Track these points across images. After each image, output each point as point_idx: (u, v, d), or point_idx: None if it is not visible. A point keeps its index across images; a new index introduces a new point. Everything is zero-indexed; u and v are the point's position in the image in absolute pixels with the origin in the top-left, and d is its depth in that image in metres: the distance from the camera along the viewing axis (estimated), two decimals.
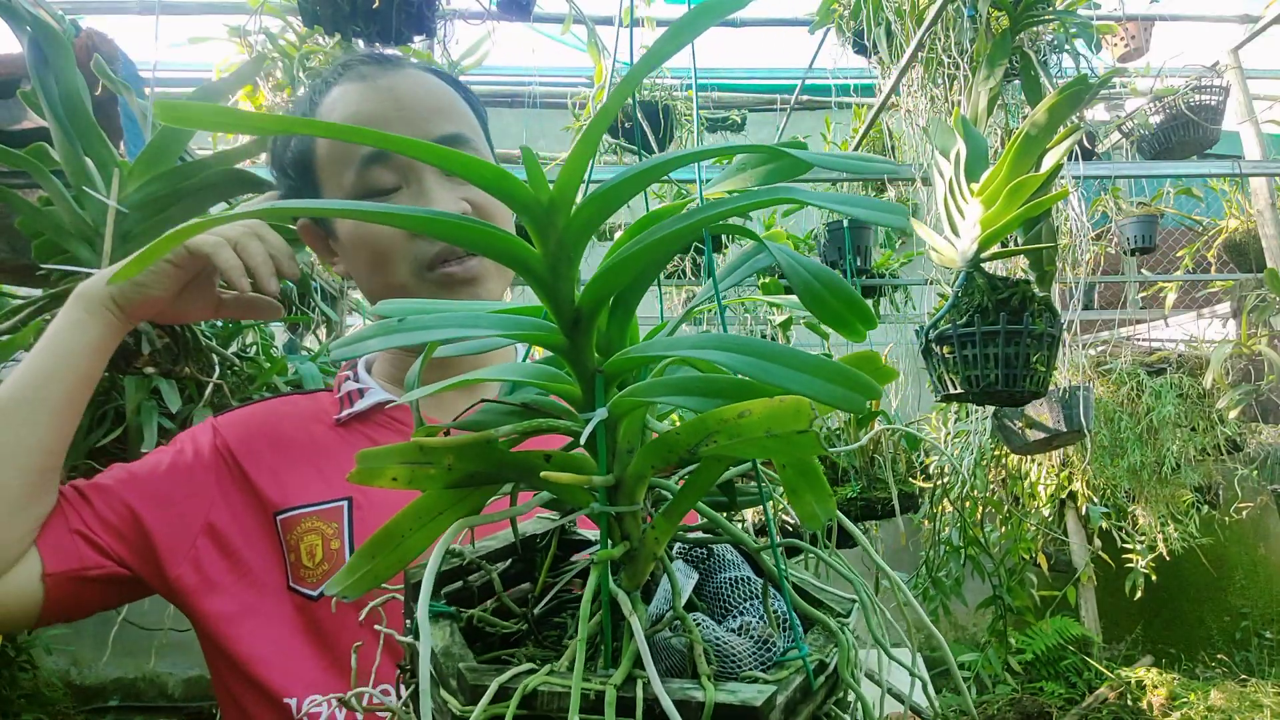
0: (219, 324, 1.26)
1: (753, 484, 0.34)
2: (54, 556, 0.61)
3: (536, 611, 0.35)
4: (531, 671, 0.26)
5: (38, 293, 0.93)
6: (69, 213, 0.86)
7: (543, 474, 0.29)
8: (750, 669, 0.28)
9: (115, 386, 1.01)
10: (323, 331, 2.52)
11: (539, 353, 0.34)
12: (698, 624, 0.29)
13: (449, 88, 0.74)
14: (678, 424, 0.27)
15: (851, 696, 0.30)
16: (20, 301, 0.93)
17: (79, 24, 1.21)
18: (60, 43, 0.85)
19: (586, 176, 0.28)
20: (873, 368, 0.31)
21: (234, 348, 1.28)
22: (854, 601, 0.32)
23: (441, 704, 0.27)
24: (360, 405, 0.72)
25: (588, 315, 0.29)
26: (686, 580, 0.33)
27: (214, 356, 0.97)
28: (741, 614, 0.32)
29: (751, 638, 0.30)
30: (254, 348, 1.36)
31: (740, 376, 0.25)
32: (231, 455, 0.69)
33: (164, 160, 0.88)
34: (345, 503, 0.66)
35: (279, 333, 2.19)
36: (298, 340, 2.46)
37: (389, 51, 0.80)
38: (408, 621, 0.33)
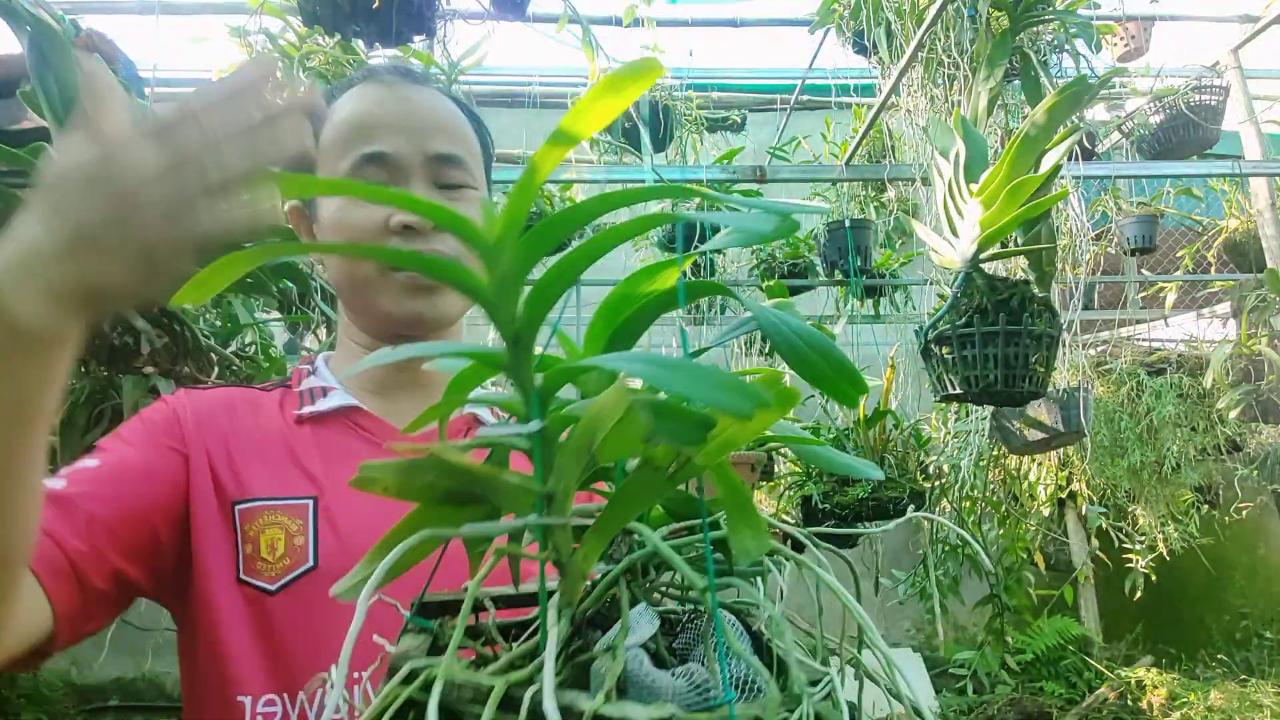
0: (218, 324, 1.26)
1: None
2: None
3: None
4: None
5: None
6: None
7: (502, 477, 0.30)
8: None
9: (113, 384, 1.01)
10: (322, 331, 2.52)
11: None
12: (634, 658, 0.28)
13: (460, 113, 0.77)
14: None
15: None
16: None
17: (79, 24, 1.21)
18: (60, 43, 0.85)
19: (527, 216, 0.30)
20: (775, 386, 0.31)
21: (233, 347, 1.28)
22: (826, 675, 0.30)
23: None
24: (323, 405, 0.72)
25: (526, 335, 0.31)
26: (645, 622, 0.31)
27: (213, 356, 0.97)
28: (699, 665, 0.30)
29: (689, 680, 0.28)
30: (253, 347, 1.36)
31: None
32: (195, 436, 0.68)
33: None
34: (311, 501, 0.66)
35: (278, 332, 2.19)
36: (297, 340, 2.46)
37: (416, 69, 0.82)
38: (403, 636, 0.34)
